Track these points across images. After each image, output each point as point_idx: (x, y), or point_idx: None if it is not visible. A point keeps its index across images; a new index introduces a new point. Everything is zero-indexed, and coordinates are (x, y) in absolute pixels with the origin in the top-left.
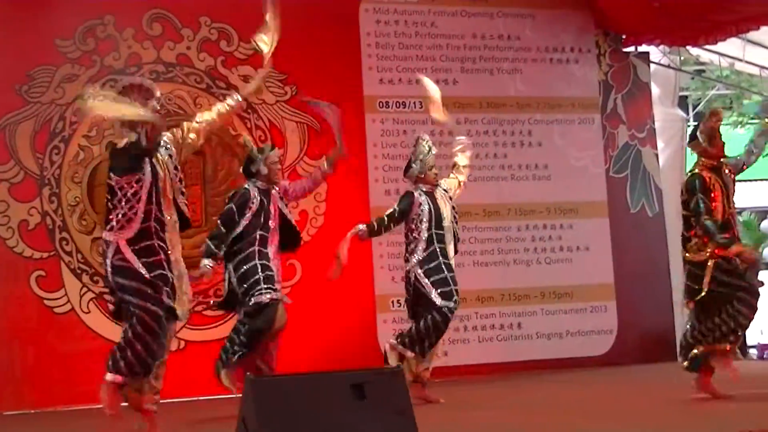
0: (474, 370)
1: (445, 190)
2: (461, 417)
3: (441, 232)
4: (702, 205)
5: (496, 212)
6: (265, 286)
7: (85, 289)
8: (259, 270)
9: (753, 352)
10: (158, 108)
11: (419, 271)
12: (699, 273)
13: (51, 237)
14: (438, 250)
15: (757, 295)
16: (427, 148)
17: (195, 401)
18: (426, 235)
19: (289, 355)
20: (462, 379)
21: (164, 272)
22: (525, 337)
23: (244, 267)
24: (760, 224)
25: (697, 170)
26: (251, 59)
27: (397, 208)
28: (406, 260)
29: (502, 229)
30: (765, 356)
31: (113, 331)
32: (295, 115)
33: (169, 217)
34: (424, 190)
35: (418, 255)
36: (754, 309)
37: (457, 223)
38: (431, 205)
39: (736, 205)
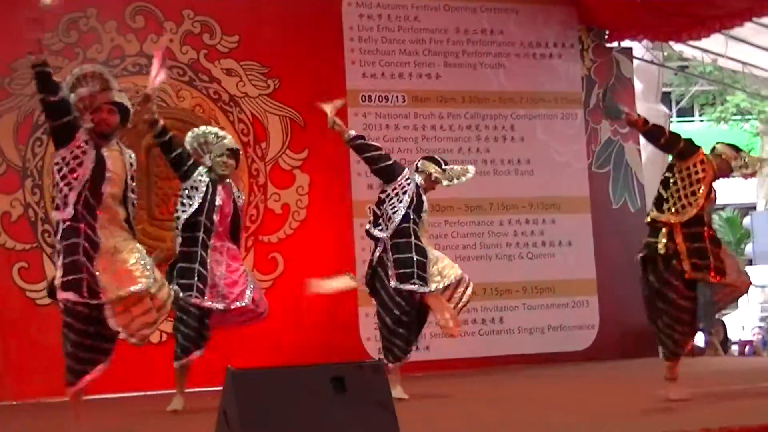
0: (455, 364)
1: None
2: (442, 411)
3: (418, 219)
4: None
5: (478, 207)
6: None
7: None
8: (195, 276)
9: (734, 348)
10: (111, 102)
11: (389, 242)
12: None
13: (33, 229)
14: (413, 230)
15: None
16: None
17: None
18: (403, 211)
19: (270, 348)
20: (443, 373)
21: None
22: (507, 332)
23: (186, 263)
24: (742, 220)
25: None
26: (233, 52)
27: (391, 160)
28: (381, 230)
29: (484, 224)
30: (746, 352)
31: None
32: (278, 108)
33: (105, 210)
34: (417, 181)
35: (394, 225)
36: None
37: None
38: (416, 191)
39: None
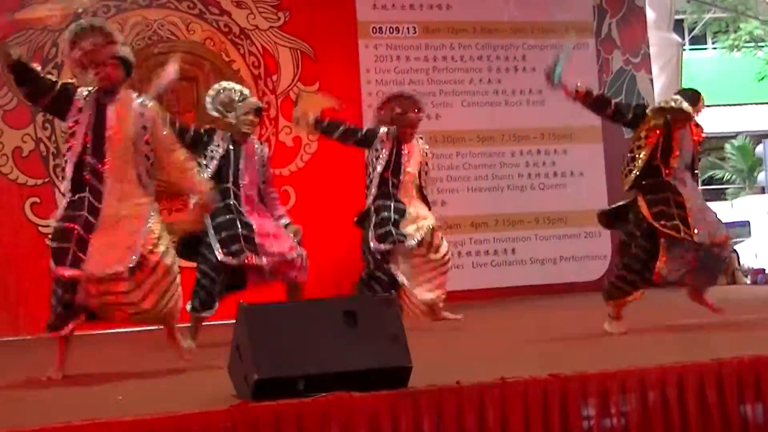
0: (468, 295)
1: (422, 148)
2: (454, 343)
3: (398, 180)
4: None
5: (490, 138)
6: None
7: None
8: (239, 227)
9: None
10: (114, 56)
11: (372, 208)
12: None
13: (45, 163)
14: (391, 192)
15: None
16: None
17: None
18: (381, 172)
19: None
20: (456, 305)
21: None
22: (519, 263)
23: (222, 218)
24: (754, 148)
25: (651, 106)
26: None
27: (357, 133)
28: (366, 197)
29: (495, 155)
30: (758, 281)
31: None
32: (289, 41)
33: (111, 170)
34: (395, 135)
35: (373, 192)
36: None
37: (424, 184)
38: (394, 150)
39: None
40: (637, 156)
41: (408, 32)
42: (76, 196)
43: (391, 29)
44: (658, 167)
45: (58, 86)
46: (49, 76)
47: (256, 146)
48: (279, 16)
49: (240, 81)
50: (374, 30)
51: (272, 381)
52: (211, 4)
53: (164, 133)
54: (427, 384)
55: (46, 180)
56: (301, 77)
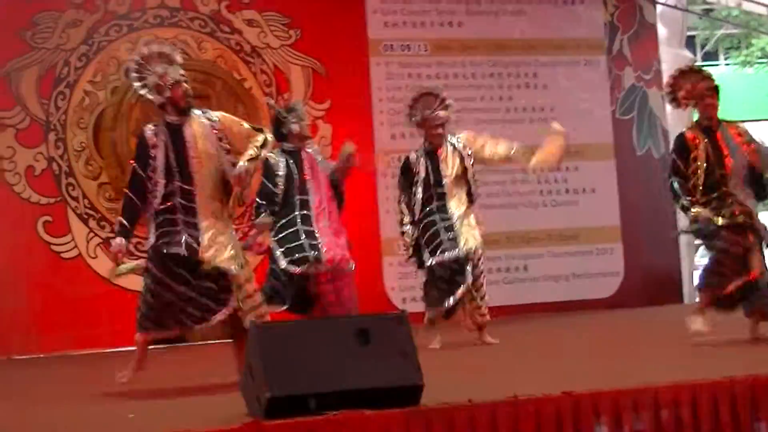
0: None
1: (454, 144)
2: (466, 360)
3: (441, 191)
4: (672, 166)
5: None
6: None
7: (91, 234)
8: (302, 236)
9: None
10: (182, 74)
11: (417, 230)
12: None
13: (57, 182)
14: (436, 208)
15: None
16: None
17: (207, 345)
18: (421, 196)
19: None
20: None
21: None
22: (531, 280)
23: (285, 232)
24: None
25: (684, 130)
26: (254, 3)
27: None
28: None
29: (507, 172)
30: None
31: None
32: (300, 59)
33: (200, 187)
34: (425, 148)
35: (416, 214)
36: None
37: (472, 175)
38: (429, 166)
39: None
40: (698, 176)
41: (419, 50)
42: (162, 218)
43: (402, 47)
44: (717, 181)
45: (137, 168)
46: (135, 198)
47: (307, 152)
48: (290, 34)
49: (251, 99)
50: (385, 48)
51: (284, 399)
52: (222, 22)
53: (238, 129)
54: (439, 402)
55: (59, 199)
56: (313, 95)
